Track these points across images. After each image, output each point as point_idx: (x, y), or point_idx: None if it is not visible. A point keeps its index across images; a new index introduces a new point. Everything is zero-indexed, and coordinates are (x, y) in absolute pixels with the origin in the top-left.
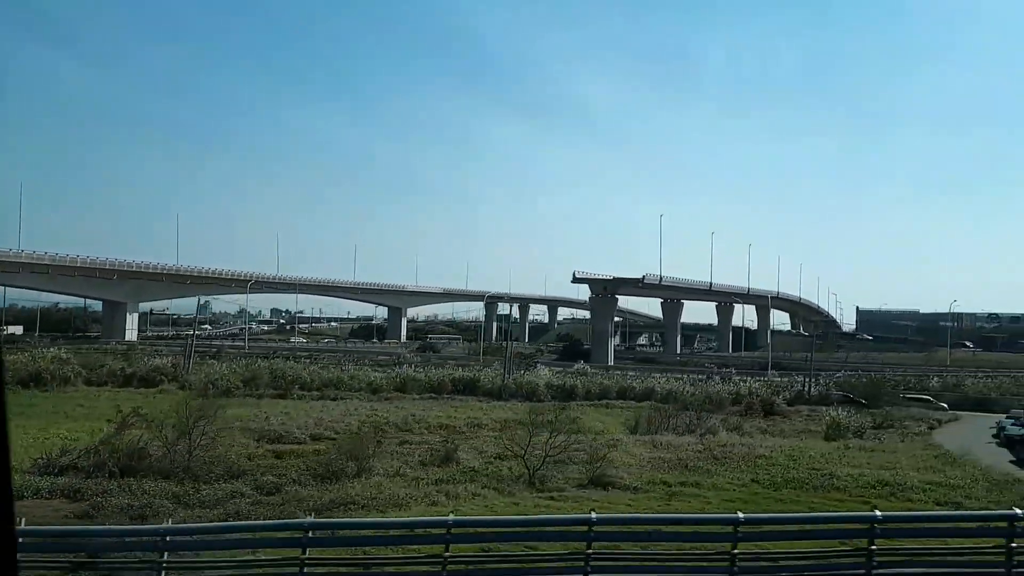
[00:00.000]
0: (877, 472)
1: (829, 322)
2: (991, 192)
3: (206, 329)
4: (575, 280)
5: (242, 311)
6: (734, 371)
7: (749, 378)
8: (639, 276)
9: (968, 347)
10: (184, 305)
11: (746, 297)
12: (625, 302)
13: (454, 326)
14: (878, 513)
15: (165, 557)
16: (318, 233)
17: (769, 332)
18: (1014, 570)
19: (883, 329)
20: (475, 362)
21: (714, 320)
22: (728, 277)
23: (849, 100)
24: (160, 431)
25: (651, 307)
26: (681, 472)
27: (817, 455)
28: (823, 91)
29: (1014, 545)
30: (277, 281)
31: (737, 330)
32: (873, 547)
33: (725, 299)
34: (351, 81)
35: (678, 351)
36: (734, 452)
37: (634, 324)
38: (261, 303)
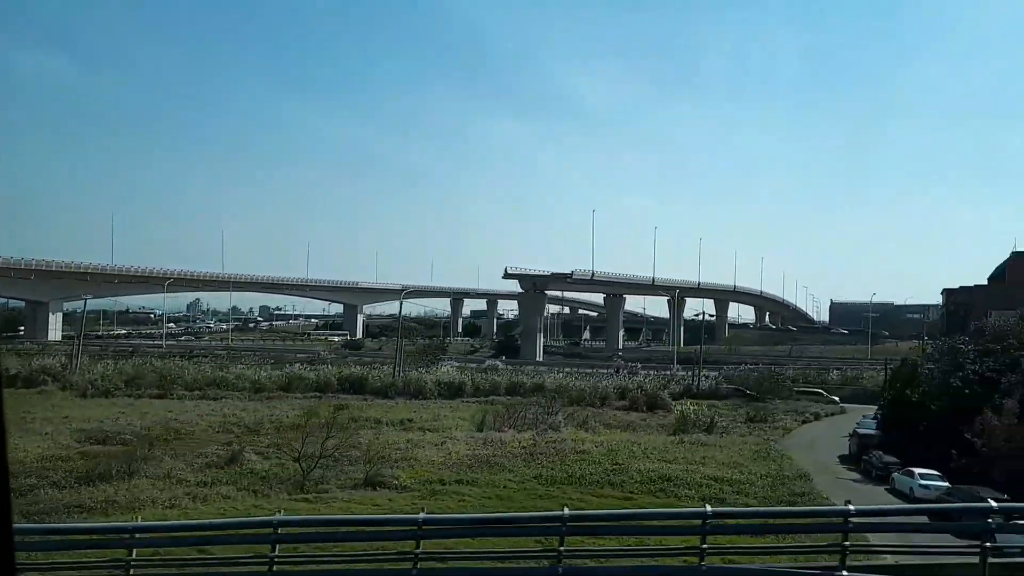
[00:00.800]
0: (674, 468)
1: (798, 315)
2: (982, 183)
3: (171, 328)
4: (506, 276)
5: (233, 308)
6: (639, 366)
7: (654, 372)
8: (568, 272)
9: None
10: (176, 304)
11: (697, 291)
12: (602, 299)
13: (422, 323)
14: (566, 512)
15: None
16: (308, 234)
17: (727, 326)
18: (704, 565)
19: (852, 322)
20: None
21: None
22: (716, 276)
23: (842, 93)
24: None
25: (630, 303)
26: (477, 470)
27: (640, 450)
28: (821, 87)
29: (706, 546)
30: (210, 279)
31: (710, 324)
32: (562, 548)
33: (670, 293)
34: (350, 80)
35: (620, 345)
36: (558, 448)
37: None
38: (252, 301)
